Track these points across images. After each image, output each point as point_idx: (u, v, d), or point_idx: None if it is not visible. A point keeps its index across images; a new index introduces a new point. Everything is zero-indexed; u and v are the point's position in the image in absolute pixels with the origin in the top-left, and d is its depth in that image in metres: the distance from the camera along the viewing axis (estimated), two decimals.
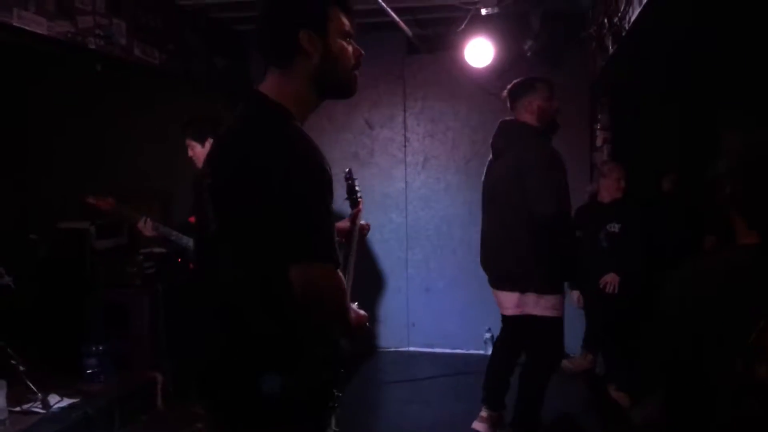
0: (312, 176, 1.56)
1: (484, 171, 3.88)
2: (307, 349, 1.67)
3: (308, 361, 1.67)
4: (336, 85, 1.76)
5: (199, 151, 3.94)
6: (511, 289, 3.60)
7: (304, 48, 1.67)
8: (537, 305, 3.54)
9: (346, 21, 1.74)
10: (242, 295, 1.64)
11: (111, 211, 4.05)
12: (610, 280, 4.58)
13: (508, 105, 3.78)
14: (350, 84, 1.78)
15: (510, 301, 3.63)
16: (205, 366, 1.74)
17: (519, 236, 3.50)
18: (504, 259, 3.62)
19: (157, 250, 4.27)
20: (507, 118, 3.78)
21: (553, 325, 3.59)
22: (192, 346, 1.83)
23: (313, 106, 1.78)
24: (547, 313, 3.54)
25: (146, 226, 4.01)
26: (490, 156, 3.84)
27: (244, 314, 1.64)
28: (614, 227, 4.72)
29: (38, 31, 3.69)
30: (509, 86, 3.77)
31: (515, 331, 3.85)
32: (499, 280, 3.70)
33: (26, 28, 3.61)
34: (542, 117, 3.64)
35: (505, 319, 3.90)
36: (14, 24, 3.52)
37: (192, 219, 4.14)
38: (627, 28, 3.75)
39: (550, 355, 3.73)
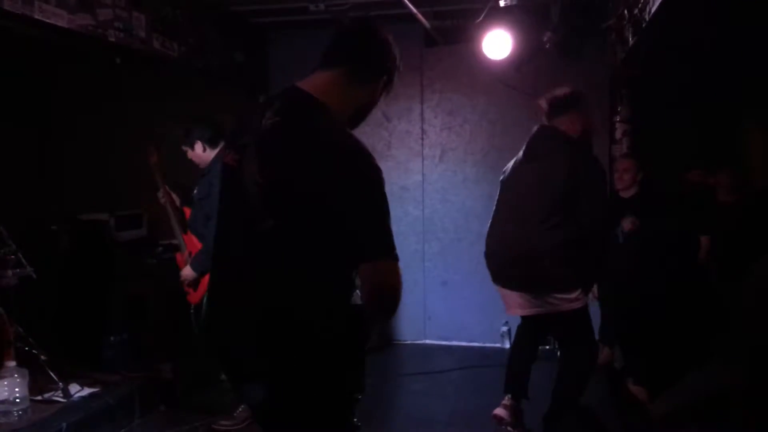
0: (376, 177, 1.69)
1: (509, 172, 3.79)
2: (362, 343, 1.78)
3: (361, 355, 1.78)
4: (361, 118, 1.98)
5: (192, 154, 4.15)
6: (536, 291, 3.56)
7: (379, 84, 1.95)
8: (563, 302, 3.53)
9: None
10: (306, 293, 1.69)
11: (153, 164, 4.31)
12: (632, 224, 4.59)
13: (546, 114, 3.71)
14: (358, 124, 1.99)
15: (532, 302, 3.60)
16: (258, 362, 1.75)
17: (550, 240, 3.46)
18: (532, 263, 3.52)
19: (176, 241, 4.31)
20: (546, 124, 3.70)
21: (578, 315, 3.57)
22: (234, 343, 1.82)
23: (345, 117, 1.89)
24: (574, 305, 3.54)
25: (162, 193, 4.31)
26: (518, 157, 3.76)
27: (307, 311, 1.69)
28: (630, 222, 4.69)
29: (59, 24, 3.73)
30: (551, 97, 3.69)
31: (538, 321, 3.83)
32: (523, 283, 3.62)
33: (47, 20, 3.64)
34: (583, 134, 3.65)
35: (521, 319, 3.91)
36: (35, 17, 3.56)
37: (186, 209, 4.22)
38: (647, 19, 3.71)
39: (585, 344, 3.68)
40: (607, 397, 4.58)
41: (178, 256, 4.28)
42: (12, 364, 3.68)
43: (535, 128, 3.75)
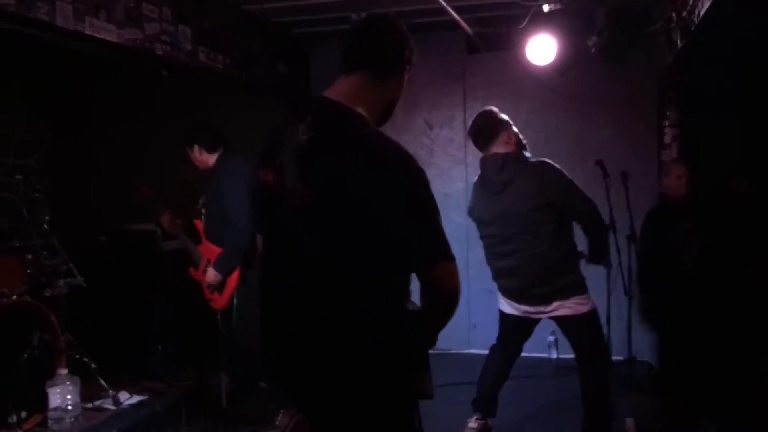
0: (421, 178, 1.68)
1: (481, 210, 3.86)
2: (422, 349, 1.80)
3: (422, 360, 1.80)
4: (389, 114, 1.96)
5: (191, 156, 4.31)
6: (561, 298, 3.65)
7: (404, 77, 1.93)
8: (582, 304, 3.66)
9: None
10: (361, 303, 1.68)
11: (150, 198, 4.39)
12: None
13: (479, 145, 3.77)
14: (386, 120, 1.98)
15: (563, 308, 3.67)
16: (316, 378, 1.75)
17: (554, 252, 3.58)
18: (548, 278, 3.63)
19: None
20: (488, 154, 3.73)
21: (590, 318, 3.69)
22: (286, 360, 1.82)
23: (376, 118, 1.88)
24: (590, 306, 3.69)
25: (166, 220, 4.37)
26: (477, 195, 3.85)
27: (363, 321, 1.68)
28: (686, 225, 4.57)
29: (108, 39, 3.82)
30: (475, 130, 3.76)
31: (518, 333, 4.01)
32: (548, 297, 3.69)
33: (97, 35, 3.74)
34: (519, 144, 3.70)
35: (507, 323, 3.98)
36: (86, 32, 3.66)
37: (197, 222, 4.28)
38: (696, 22, 3.63)
39: (596, 346, 3.76)
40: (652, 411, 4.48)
41: (192, 270, 4.34)
42: (64, 371, 3.76)
43: (481, 163, 3.79)
